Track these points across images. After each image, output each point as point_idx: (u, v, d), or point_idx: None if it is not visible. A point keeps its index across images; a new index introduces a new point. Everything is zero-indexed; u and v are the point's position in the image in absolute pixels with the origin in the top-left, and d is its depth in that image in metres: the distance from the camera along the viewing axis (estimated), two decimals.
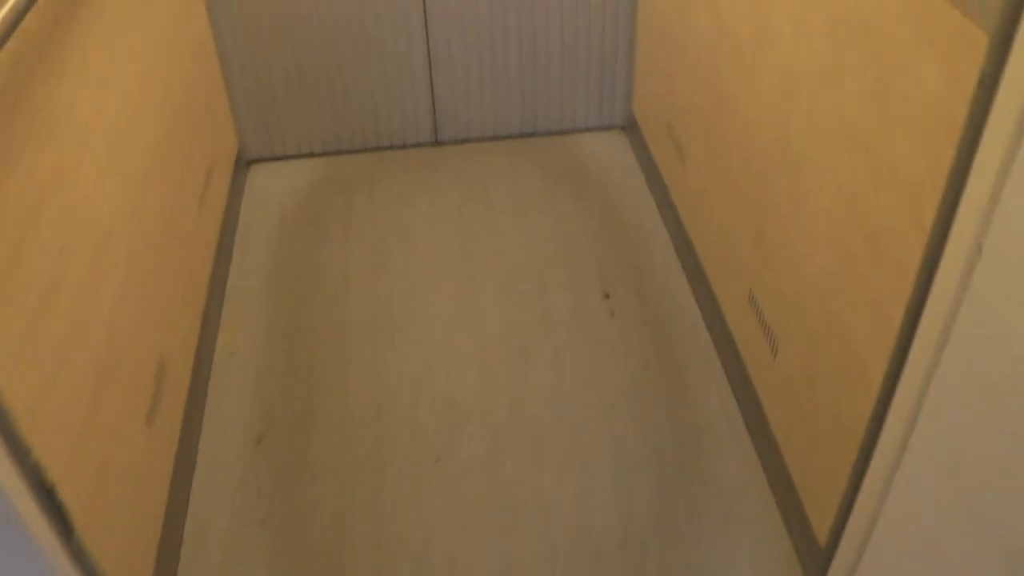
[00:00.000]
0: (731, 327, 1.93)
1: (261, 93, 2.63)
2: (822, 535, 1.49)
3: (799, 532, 1.63)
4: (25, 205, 1.23)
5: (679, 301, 2.18)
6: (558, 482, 1.81)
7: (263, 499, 1.81)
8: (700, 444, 1.86)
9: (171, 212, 1.90)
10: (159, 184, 1.84)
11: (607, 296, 2.21)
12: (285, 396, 2.02)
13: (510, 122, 2.79)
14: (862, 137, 1.28)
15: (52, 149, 1.35)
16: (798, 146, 1.51)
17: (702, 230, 2.11)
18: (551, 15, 2.58)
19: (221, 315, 2.23)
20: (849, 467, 1.33)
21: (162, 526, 1.66)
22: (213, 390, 2.06)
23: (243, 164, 2.70)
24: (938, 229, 1.00)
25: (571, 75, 2.71)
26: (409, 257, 2.37)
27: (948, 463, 1.00)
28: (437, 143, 2.81)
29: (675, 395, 1.96)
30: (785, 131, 1.55)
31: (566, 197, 2.55)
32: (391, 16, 2.52)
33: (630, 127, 2.77)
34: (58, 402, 1.26)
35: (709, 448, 1.85)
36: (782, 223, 1.60)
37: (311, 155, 2.77)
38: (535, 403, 1.97)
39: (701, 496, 1.77)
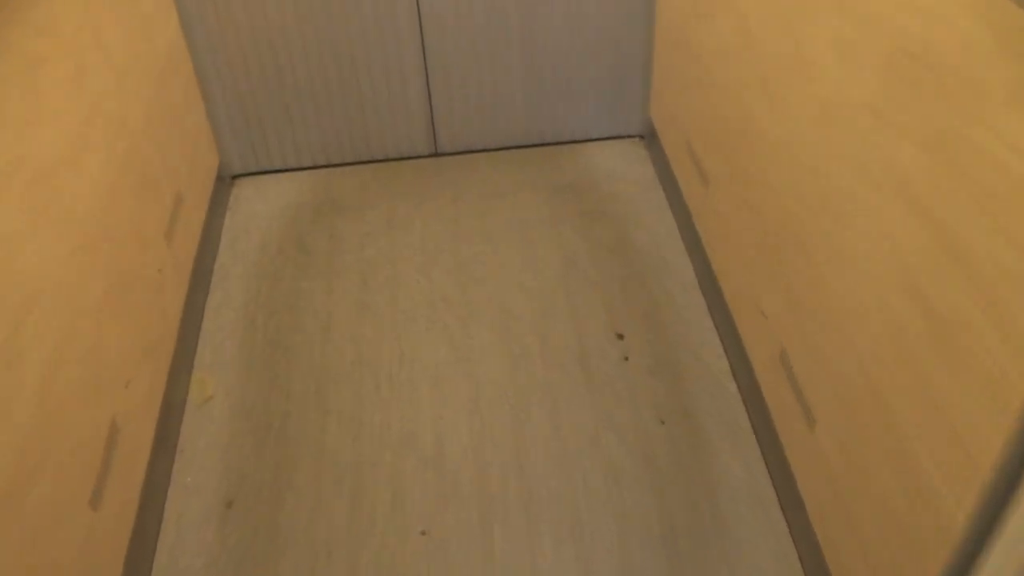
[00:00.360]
0: (761, 385, 1.69)
1: (243, 104, 2.40)
2: None
3: None
4: None
5: (703, 347, 1.94)
6: (557, 559, 1.59)
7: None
8: (722, 518, 1.63)
9: (126, 256, 1.69)
10: (108, 228, 1.62)
11: (620, 337, 1.98)
12: (259, 452, 1.82)
13: (515, 131, 2.55)
14: (921, 198, 1.03)
15: None
16: (838, 189, 1.27)
17: (727, 266, 1.87)
18: (556, 11, 2.33)
19: (195, 357, 2.02)
20: None
21: None
22: (183, 444, 1.85)
23: (226, 180, 2.49)
24: None
25: (581, 79, 2.46)
26: (399, 291, 2.14)
27: None
28: (436, 154, 2.57)
29: (695, 458, 1.73)
30: (822, 170, 1.31)
31: (575, 218, 2.31)
32: (382, 17, 2.28)
33: (649, 136, 2.52)
34: None
35: (733, 523, 1.62)
36: (817, 276, 1.36)
37: (300, 168, 2.55)
38: (534, 464, 1.74)
39: None
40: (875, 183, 1.15)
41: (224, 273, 2.23)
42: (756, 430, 1.74)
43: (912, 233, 1.06)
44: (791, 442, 1.54)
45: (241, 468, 1.79)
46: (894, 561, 1.16)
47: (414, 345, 2.00)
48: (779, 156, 1.49)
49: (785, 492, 1.60)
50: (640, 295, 2.07)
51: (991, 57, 0.89)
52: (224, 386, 1.96)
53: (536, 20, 2.33)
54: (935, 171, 1.00)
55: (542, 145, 2.57)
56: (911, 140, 1.05)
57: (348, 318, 2.08)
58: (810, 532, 1.48)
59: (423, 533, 1.65)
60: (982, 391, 0.92)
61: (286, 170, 2.55)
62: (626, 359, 1.92)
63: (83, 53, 1.59)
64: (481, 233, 2.29)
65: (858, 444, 1.26)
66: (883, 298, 1.14)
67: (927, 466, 1.06)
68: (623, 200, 2.36)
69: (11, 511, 1.18)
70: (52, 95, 1.46)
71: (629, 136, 2.58)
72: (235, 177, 2.53)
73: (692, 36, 1.96)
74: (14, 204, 1.31)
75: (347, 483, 1.74)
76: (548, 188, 2.42)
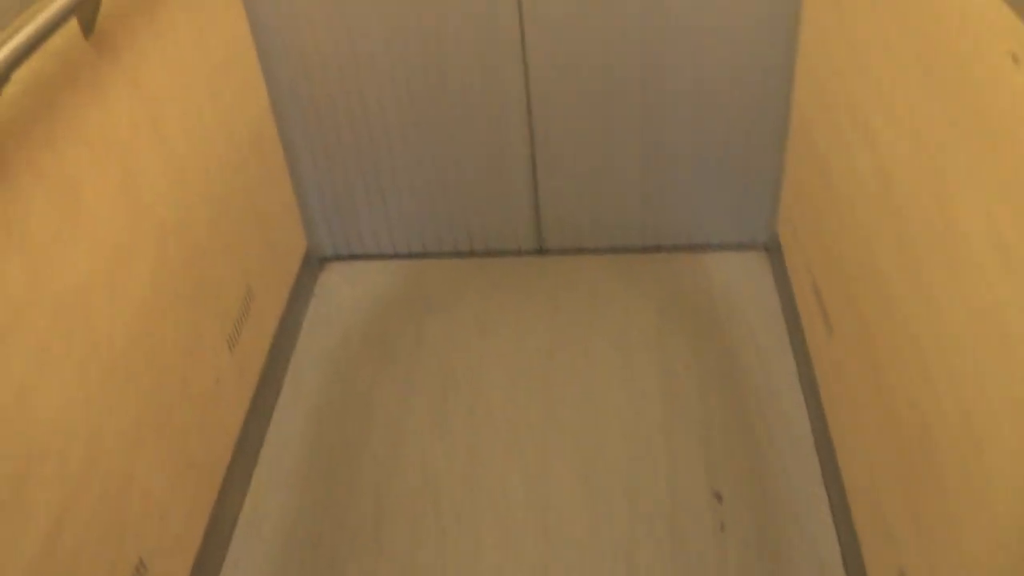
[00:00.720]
0: None
1: (336, 184, 2.26)
2: None
3: None
4: None
5: (811, 524, 1.67)
6: None
7: None
8: None
9: (173, 375, 1.55)
10: (151, 348, 1.48)
11: (719, 497, 1.74)
12: None
13: (629, 231, 2.33)
14: None
15: None
16: (984, 424, 1.01)
17: (846, 439, 1.61)
18: (681, 104, 2.10)
19: (255, 467, 1.87)
20: None
21: None
22: (228, 566, 1.71)
23: (314, 263, 2.35)
24: None
25: (704, 179, 2.22)
26: (480, 409, 1.95)
27: None
28: (541, 252, 2.38)
29: None
30: (967, 391, 1.06)
31: (684, 344, 2.07)
32: (487, 98, 2.11)
33: (774, 248, 2.26)
34: None
35: None
36: (952, 517, 1.10)
37: (393, 256, 2.39)
38: None
39: None
40: None
41: (298, 371, 2.08)
42: None
43: None
44: None
45: None
46: None
47: (487, 478, 1.81)
48: (916, 347, 1.23)
49: None
50: (746, 445, 1.82)
51: None
52: (279, 503, 1.80)
53: (659, 112, 2.11)
54: None
55: (657, 250, 2.35)
56: None
57: (421, 436, 1.90)
58: None
59: None
60: None
61: (379, 256, 2.39)
62: (722, 528, 1.68)
63: (136, 157, 1.46)
64: (580, 350, 2.07)
65: None
66: None
67: None
68: (739, 324, 2.11)
69: None
70: (92, 209, 1.32)
71: (752, 246, 2.33)
72: (324, 260, 2.39)
73: (827, 156, 1.71)
74: (30, 344, 1.17)
75: None
76: (659, 302, 2.19)
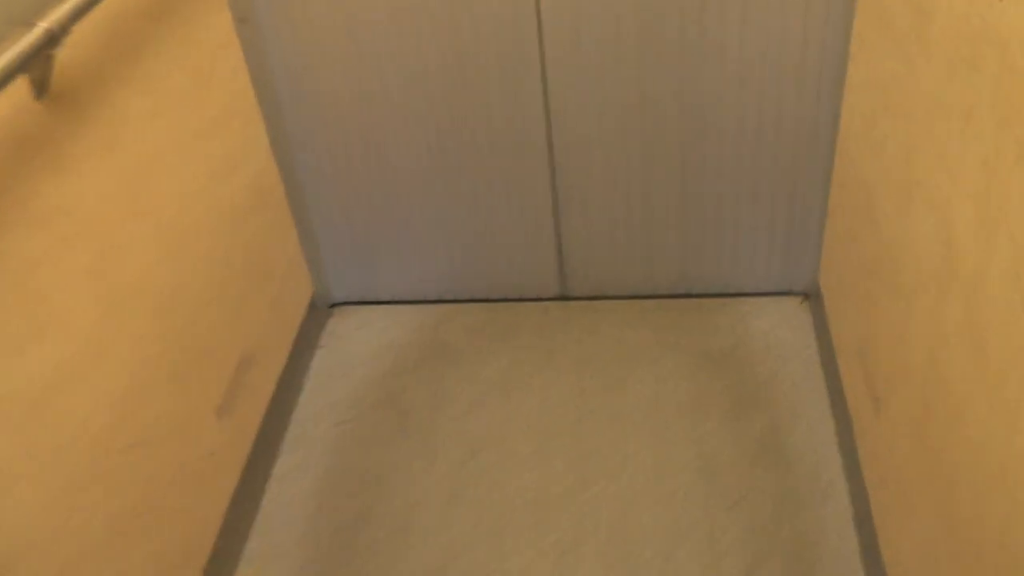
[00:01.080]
0: None
1: (347, 225, 2.12)
2: None
3: None
4: None
5: None
6: None
7: None
8: None
9: (157, 459, 1.42)
10: (132, 436, 1.34)
11: None
12: None
13: (658, 278, 2.17)
14: None
15: None
16: None
17: (888, 522, 1.45)
18: (718, 146, 1.93)
19: (245, 543, 1.74)
20: None
21: None
22: None
23: (322, 309, 2.21)
24: None
25: (739, 224, 2.05)
26: (502, 482, 1.80)
27: None
28: (564, 298, 2.22)
29: None
30: None
31: (721, 405, 1.90)
32: (509, 136, 1.96)
33: (814, 296, 2.09)
34: None
35: None
36: None
37: (409, 301, 2.24)
38: None
39: None
40: None
41: (300, 432, 1.94)
42: None
43: None
44: None
45: None
46: None
47: (508, 565, 1.65)
48: (984, 454, 1.07)
49: None
50: (784, 529, 1.66)
51: None
52: None
53: (694, 153, 1.95)
54: None
55: (689, 296, 2.18)
56: None
57: (436, 513, 1.75)
58: None
59: None
60: None
61: (392, 302, 2.25)
62: None
63: (111, 232, 1.32)
64: (610, 414, 1.91)
65: None
66: None
67: None
68: (779, 384, 1.93)
69: None
70: (56, 298, 1.19)
71: (792, 293, 2.16)
72: (334, 306, 2.25)
73: (876, 207, 1.54)
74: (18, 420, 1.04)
75: None
76: (695, 357, 2.02)
